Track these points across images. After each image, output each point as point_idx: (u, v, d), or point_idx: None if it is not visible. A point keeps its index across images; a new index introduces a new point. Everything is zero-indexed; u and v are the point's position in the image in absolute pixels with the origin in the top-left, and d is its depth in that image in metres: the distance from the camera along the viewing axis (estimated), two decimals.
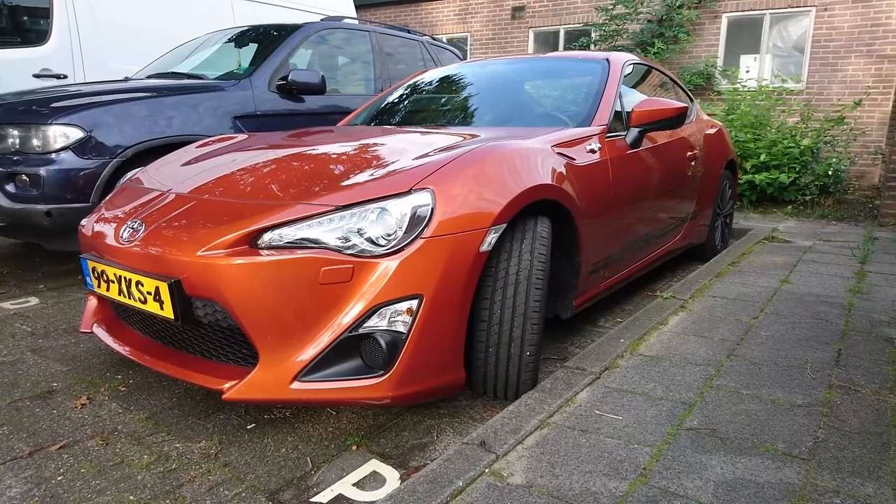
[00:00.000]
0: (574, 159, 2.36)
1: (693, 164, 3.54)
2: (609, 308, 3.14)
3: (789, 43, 8.43)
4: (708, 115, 4.74)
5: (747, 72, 8.19)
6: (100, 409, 1.99)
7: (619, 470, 1.53)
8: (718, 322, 2.65)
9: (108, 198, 2.31)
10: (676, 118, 2.77)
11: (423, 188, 1.74)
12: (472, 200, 1.80)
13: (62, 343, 2.56)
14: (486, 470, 1.54)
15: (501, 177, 1.91)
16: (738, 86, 7.20)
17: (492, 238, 1.79)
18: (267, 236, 1.67)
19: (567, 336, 2.74)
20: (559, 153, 2.29)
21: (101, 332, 2.11)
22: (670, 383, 2.04)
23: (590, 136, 2.56)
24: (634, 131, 2.81)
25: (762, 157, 6.09)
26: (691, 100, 4.08)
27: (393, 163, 1.97)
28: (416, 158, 1.98)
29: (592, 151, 2.51)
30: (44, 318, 2.87)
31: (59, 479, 1.61)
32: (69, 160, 3.16)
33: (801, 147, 6.14)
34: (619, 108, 2.88)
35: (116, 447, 1.77)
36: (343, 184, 1.83)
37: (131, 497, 1.54)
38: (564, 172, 2.21)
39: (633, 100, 3.02)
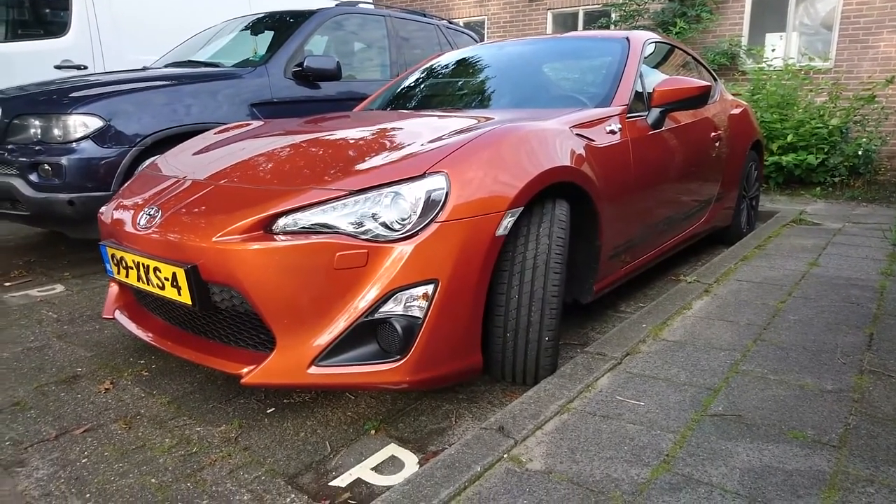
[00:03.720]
0: (593, 140, 2.30)
1: (717, 144, 3.44)
2: (631, 292, 3.09)
3: (817, 20, 8.16)
4: (732, 94, 4.61)
5: (773, 50, 7.94)
6: (123, 394, 2.02)
7: (641, 456, 1.50)
8: (744, 306, 2.59)
9: (126, 185, 2.32)
10: (699, 97, 2.69)
11: (438, 172, 1.71)
12: (488, 184, 1.76)
13: (86, 329, 2.59)
14: (505, 455, 1.52)
15: (518, 159, 1.87)
16: (763, 65, 7.00)
17: (508, 222, 1.76)
18: (282, 221, 1.66)
19: (587, 321, 2.70)
20: (578, 134, 2.24)
21: (122, 319, 2.14)
22: (694, 368, 1.99)
23: (609, 117, 2.50)
24: (656, 111, 2.74)
25: (789, 138, 5.92)
26: (715, 79, 3.97)
27: (407, 146, 1.94)
28: (430, 142, 1.94)
29: (612, 132, 2.45)
30: (69, 304, 2.91)
31: (83, 461, 1.63)
32: (89, 149, 3.19)
33: (830, 127, 5.95)
34: (639, 89, 2.80)
35: (139, 431, 1.79)
36: (357, 168, 1.81)
37: (153, 480, 1.55)
38: (583, 154, 2.16)
39: (655, 80, 2.94)
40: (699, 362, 2.04)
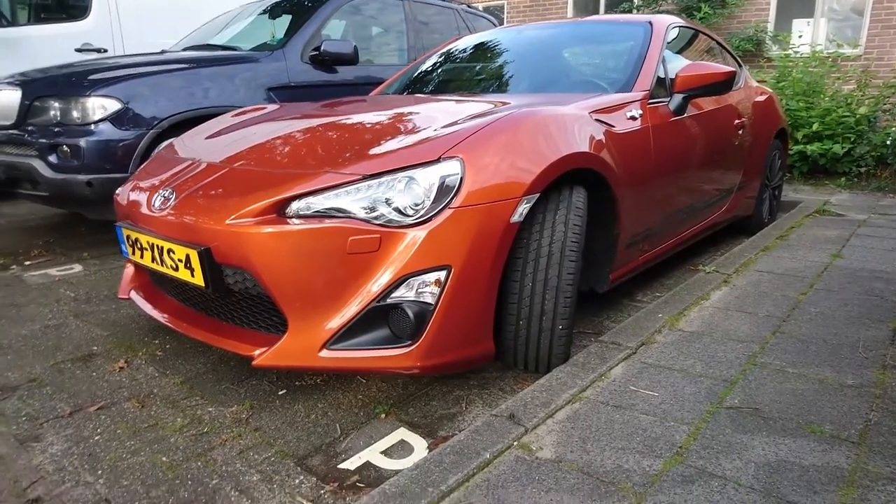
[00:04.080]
0: (613, 126, 2.25)
1: (740, 132, 3.36)
2: (647, 282, 3.04)
3: (846, 5, 7.92)
4: (757, 81, 4.50)
5: (800, 37, 7.73)
6: (137, 373, 2.04)
7: (654, 448, 1.48)
8: (764, 298, 2.54)
9: (142, 167, 2.33)
10: (723, 83, 2.62)
11: (453, 157, 1.68)
12: (504, 169, 1.73)
13: (103, 309, 2.62)
14: (515, 443, 1.51)
15: (535, 144, 1.84)
16: (789, 52, 6.82)
17: (523, 208, 1.73)
18: (295, 205, 1.65)
19: (602, 310, 2.66)
20: (597, 120, 2.19)
21: (137, 299, 2.15)
22: (711, 360, 1.96)
23: (630, 103, 2.45)
24: (678, 97, 2.68)
25: (814, 127, 5.78)
26: (740, 65, 3.87)
27: (422, 131, 1.91)
28: (445, 126, 1.92)
29: (633, 118, 2.40)
30: (86, 284, 2.95)
31: (96, 438, 1.65)
32: (107, 131, 3.21)
33: (857, 116, 5.79)
34: (662, 74, 2.74)
35: (151, 410, 1.81)
36: (371, 152, 1.79)
37: (164, 458, 1.57)
38: (603, 140, 2.12)
39: (678, 65, 2.87)
40: (716, 354, 2.00)
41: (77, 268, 3.22)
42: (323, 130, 2.16)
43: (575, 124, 2.04)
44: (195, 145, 2.33)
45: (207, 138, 2.40)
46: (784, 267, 2.98)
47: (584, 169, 2.00)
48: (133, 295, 2.18)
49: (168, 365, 2.10)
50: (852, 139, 5.76)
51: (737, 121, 3.33)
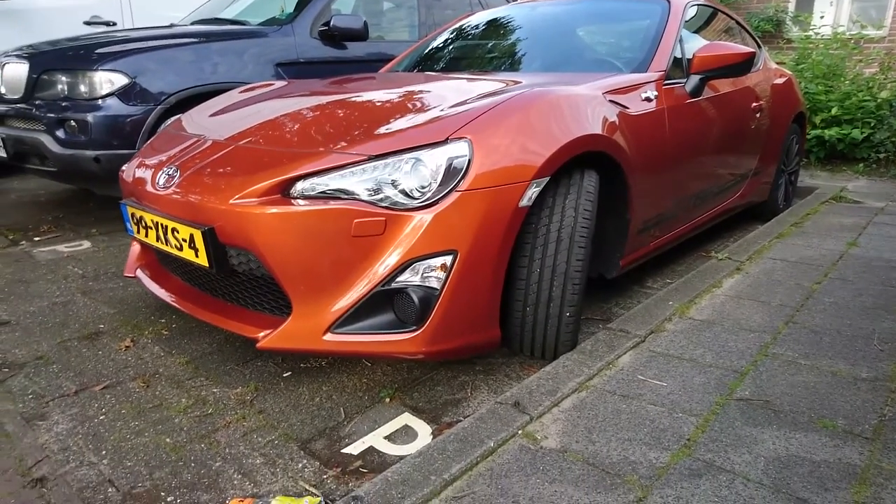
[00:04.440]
0: (627, 108, 2.19)
1: (758, 115, 3.28)
2: (658, 268, 3.00)
3: None
4: (776, 63, 4.38)
5: (821, 17, 7.52)
6: (143, 352, 2.04)
7: (661, 440, 1.45)
8: (777, 286, 2.49)
9: (147, 143, 2.30)
10: (742, 65, 2.54)
11: (461, 138, 1.64)
12: (513, 151, 1.69)
13: (111, 286, 2.62)
14: (519, 432, 1.49)
15: (546, 126, 1.79)
16: (810, 33, 6.63)
17: (532, 192, 1.69)
18: (299, 185, 1.62)
19: (611, 296, 2.63)
20: (611, 101, 2.13)
21: (143, 278, 2.14)
22: (721, 350, 1.92)
23: (645, 83, 2.38)
24: (695, 78, 2.60)
25: (833, 111, 5.64)
26: (759, 46, 3.77)
27: (431, 110, 1.87)
28: (454, 106, 1.87)
29: (648, 99, 2.34)
30: (95, 261, 2.95)
31: (101, 418, 1.65)
32: (115, 106, 3.18)
33: (879, 100, 5.64)
34: (678, 54, 2.66)
35: (157, 390, 1.81)
36: (378, 132, 1.75)
37: (168, 440, 1.56)
38: (616, 122, 2.06)
39: (695, 45, 2.79)
40: (727, 343, 1.97)
41: (85, 244, 3.22)
42: (330, 108, 2.11)
43: (588, 105, 1.98)
44: (201, 122, 2.30)
45: (213, 115, 2.37)
46: (798, 255, 2.92)
47: (596, 152, 1.95)
48: (139, 273, 2.17)
49: (174, 344, 2.09)
50: (872, 124, 5.62)
51: (754, 104, 3.24)
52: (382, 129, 1.76)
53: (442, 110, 1.84)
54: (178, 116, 2.58)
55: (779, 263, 2.80)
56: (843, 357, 1.87)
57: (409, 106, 2.02)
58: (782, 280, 2.57)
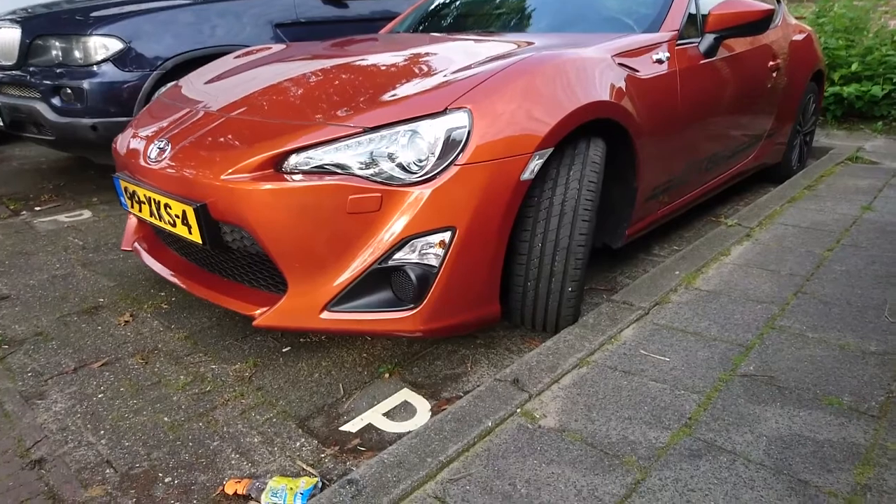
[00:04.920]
0: (637, 71, 2.10)
1: (774, 75, 3.15)
2: (666, 234, 2.93)
3: None
4: (796, 18, 4.18)
5: None
6: (142, 327, 2.03)
7: (662, 418, 1.43)
8: (787, 254, 2.43)
9: (139, 114, 2.24)
10: (760, 22, 2.42)
11: (460, 108, 1.57)
12: (516, 122, 1.62)
13: (111, 258, 2.61)
14: (518, 410, 1.47)
15: (550, 93, 1.71)
16: None
17: (535, 164, 1.62)
18: (293, 159, 1.57)
19: (617, 265, 2.58)
20: (620, 64, 2.04)
21: (141, 252, 2.12)
22: (727, 322, 1.88)
23: (658, 45, 2.27)
24: (710, 38, 2.48)
25: (854, 67, 5.43)
26: (778, 0, 3.59)
27: (431, 77, 1.79)
28: (455, 72, 1.79)
29: (660, 62, 2.23)
30: (95, 231, 2.93)
31: (99, 396, 1.66)
32: (110, 73, 3.10)
33: None
34: (693, 10, 2.53)
35: (155, 366, 1.80)
36: (374, 102, 1.68)
37: (166, 418, 1.56)
38: (625, 87, 1.97)
39: (711, 1, 2.65)
40: (733, 315, 1.93)
41: (86, 213, 3.20)
42: (326, 76, 2.04)
43: (595, 70, 1.89)
44: (194, 90, 2.23)
45: (207, 83, 2.30)
46: (810, 220, 2.85)
47: (604, 119, 1.87)
48: (136, 247, 2.15)
49: (173, 319, 2.09)
50: (894, 80, 5.41)
51: (771, 63, 3.10)
52: (379, 99, 1.70)
53: (445, 76, 1.76)
54: (171, 84, 2.51)
55: (790, 229, 2.73)
56: (851, 329, 1.83)
57: (410, 72, 1.94)
58: (793, 247, 2.50)
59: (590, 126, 1.83)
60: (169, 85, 2.62)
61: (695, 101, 2.40)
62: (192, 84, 2.35)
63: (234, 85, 2.15)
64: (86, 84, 3.07)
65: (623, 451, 1.32)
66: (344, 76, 2.02)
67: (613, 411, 1.46)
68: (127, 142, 2.01)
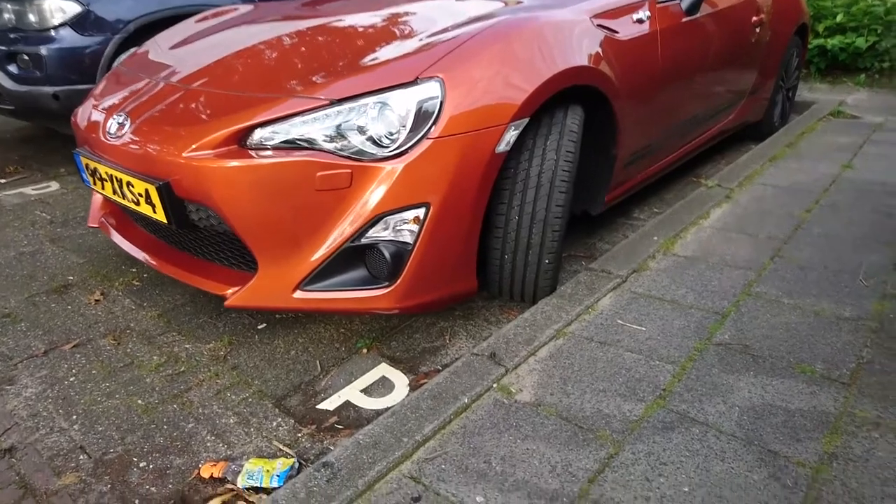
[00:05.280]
0: (616, 32, 2.03)
1: (758, 30, 3.08)
2: (645, 197, 2.92)
3: None
4: None
5: None
6: (113, 306, 1.99)
7: (636, 390, 1.44)
8: (766, 216, 2.43)
9: (98, 85, 2.14)
10: None
11: (432, 77, 1.51)
12: (490, 91, 1.56)
13: (80, 233, 2.54)
14: (494, 385, 1.47)
15: (526, 60, 1.65)
16: None
17: (511, 136, 1.58)
18: (257, 135, 1.51)
19: (596, 230, 2.57)
20: (599, 25, 1.97)
21: (109, 228, 2.06)
22: (703, 289, 1.89)
23: (639, 4, 2.20)
24: None
25: (839, 18, 5.35)
26: None
27: (408, 40, 1.71)
28: (430, 36, 1.71)
29: (640, 21, 2.17)
30: (63, 204, 2.85)
31: (71, 379, 1.63)
32: (69, 37, 2.96)
33: (889, 4, 5.33)
34: None
35: (127, 347, 1.77)
36: (343, 71, 1.61)
37: (139, 401, 1.55)
38: (604, 50, 1.91)
39: None
40: (710, 282, 1.93)
41: (53, 185, 3.10)
42: (294, 41, 1.95)
43: (573, 33, 1.83)
44: (155, 58, 2.13)
45: (169, 49, 2.19)
46: (790, 180, 2.84)
47: (582, 86, 1.82)
48: (104, 223, 2.08)
49: (145, 296, 2.05)
50: (879, 31, 5.34)
51: (755, 18, 3.03)
52: (349, 67, 1.63)
53: (420, 40, 1.69)
54: (131, 51, 2.40)
55: (770, 190, 2.72)
56: (827, 295, 1.84)
57: (384, 35, 1.85)
58: (772, 209, 2.50)
59: (567, 93, 1.78)
60: (129, 52, 2.50)
61: (677, 62, 2.34)
62: (153, 51, 2.24)
63: (198, 52, 2.05)
64: (43, 50, 2.93)
65: (597, 425, 1.33)
66: (313, 41, 1.93)
67: (589, 384, 1.47)
68: (86, 115, 1.93)
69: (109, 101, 1.88)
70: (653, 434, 1.30)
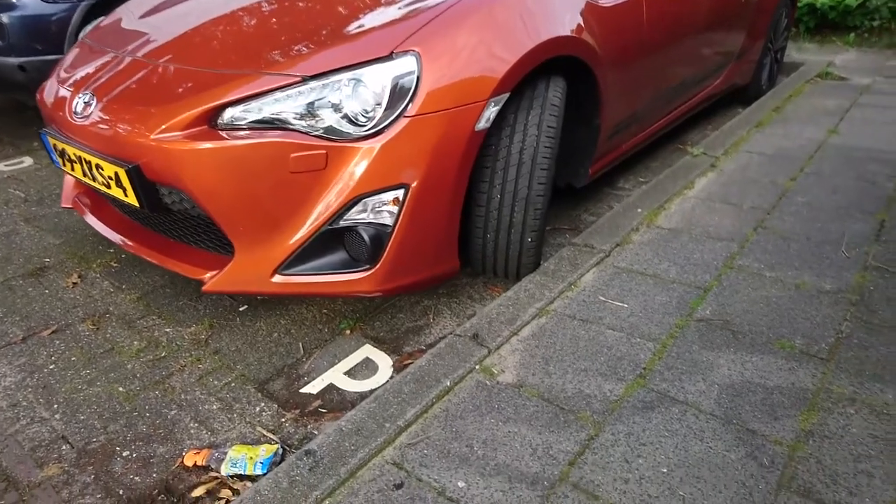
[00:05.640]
0: None
1: None
2: (631, 167, 2.89)
3: None
4: None
5: None
6: (91, 289, 1.96)
7: (617, 369, 1.45)
8: (750, 185, 2.42)
9: (63, 59, 2.05)
10: None
11: (407, 51, 1.46)
12: (470, 64, 1.51)
13: (55, 211, 2.48)
14: (477, 367, 1.47)
15: (505, 32, 1.59)
16: None
17: (491, 112, 1.54)
18: (228, 113, 1.46)
19: (581, 201, 2.55)
20: None
21: (83, 209, 2.01)
22: (686, 263, 1.89)
23: None
24: None
25: None
26: None
27: (388, 8, 1.65)
28: (407, 4, 1.65)
29: None
30: (37, 181, 2.77)
31: (50, 367, 1.61)
32: (32, 5, 2.83)
33: None
34: None
35: (107, 332, 1.75)
36: (317, 44, 1.55)
37: (120, 388, 1.54)
38: (585, 20, 1.85)
39: None
40: (692, 255, 1.93)
41: (27, 161, 3.01)
42: (266, 11, 1.87)
43: (554, 1, 1.76)
44: (121, 30, 2.04)
45: (136, 21, 2.10)
46: (776, 146, 2.82)
47: (564, 56, 1.77)
48: (77, 204, 2.03)
49: (123, 278, 2.01)
50: None
51: None
52: (322, 40, 1.56)
53: (399, 8, 1.62)
54: (96, 22, 2.29)
55: (755, 157, 2.70)
56: (808, 267, 1.85)
57: (362, 3, 1.78)
58: (756, 177, 2.49)
59: (549, 64, 1.73)
60: (94, 23, 2.40)
61: (662, 27, 2.28)
62: (119, 22, 2.14)
63: (165, 23, 1.97)
64: (5, 18, 2.80)
65: (578, 406, 1.34)
66: (289, 8, 1.85)
67: (570, 363, 1.47)
68: (52, 93, 1.85)
69: (74, 78, 1.81)
70: (632, 414, 1.31)
